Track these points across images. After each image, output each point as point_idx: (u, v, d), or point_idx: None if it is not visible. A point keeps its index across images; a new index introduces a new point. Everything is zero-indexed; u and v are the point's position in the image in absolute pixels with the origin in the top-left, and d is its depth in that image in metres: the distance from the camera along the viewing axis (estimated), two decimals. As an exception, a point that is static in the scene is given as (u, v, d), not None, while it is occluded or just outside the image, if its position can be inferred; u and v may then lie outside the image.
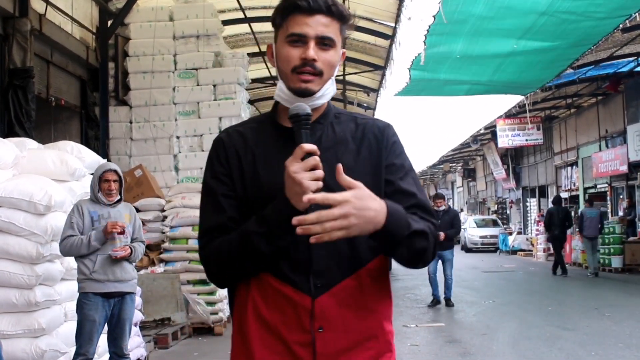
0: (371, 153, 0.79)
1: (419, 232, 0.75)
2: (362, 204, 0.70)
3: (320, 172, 0.71)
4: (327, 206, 0.70)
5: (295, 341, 0.77)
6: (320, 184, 0.70)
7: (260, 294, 0.78)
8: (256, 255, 0.75)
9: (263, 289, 0.78)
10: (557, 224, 7.76)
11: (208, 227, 0.80)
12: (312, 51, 0.77)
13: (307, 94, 0.78)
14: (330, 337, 0.76)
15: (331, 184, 0.73)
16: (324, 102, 0.81)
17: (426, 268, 4.53)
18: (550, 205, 8.67)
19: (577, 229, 8.16)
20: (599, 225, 7.61)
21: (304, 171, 0.70)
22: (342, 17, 0.79)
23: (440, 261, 5.35)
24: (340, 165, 0.71)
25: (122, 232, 2.34)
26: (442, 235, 4.85)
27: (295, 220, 0.70)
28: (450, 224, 5.24)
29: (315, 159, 0.71)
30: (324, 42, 0.78)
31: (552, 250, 9.04)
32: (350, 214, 0.69)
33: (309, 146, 0.71)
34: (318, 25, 0.78)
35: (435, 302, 5.48)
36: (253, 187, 0.79)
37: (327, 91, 0.79)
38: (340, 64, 0.82)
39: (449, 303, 5.42)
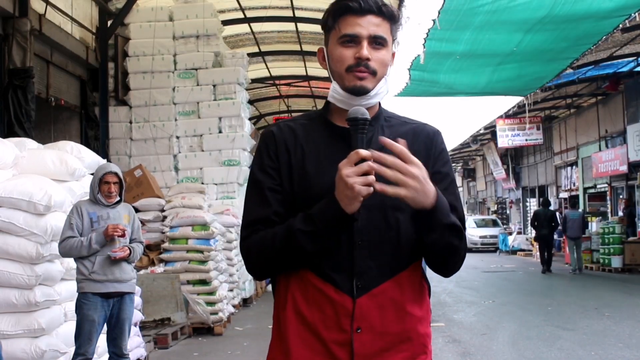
0: (419, 158, 0.78)
1: (457, 227, 0.76)
2: (427, 177, 0.73)
3: (372, 178, 0.71)
4: (375, 205, 0.73)
5: (333, 340, 0.77)
6: (372, 189, 0.71)
7: (301, 291, 0.79)
8: (299, 252, 0.76)
9: (304, 286, 0.79)
10: (543, 225, 8.23)
11: (252, 219, 0.80)
12: (366, 50, 0.78)
13: (362, 92, 0.79)
14: (367, 338, 0.77)
15: (377, 194, 0.74)
16: (377, 101, 0.82)
17: None
18: (538, 207, 9.45)
19: (562, 230, 8.73)
20: (581, 226, 8.13)
21: (356, 176, 0.71)
22: (392, 17, 0.81)
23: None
24: (402, 140, 0.73)
25: (123, 235, 2.34)
26: None
27: (373, 155, 0.71)
28: None
29: (369, 165, 0.71)
30: (377, 42, 0.79)
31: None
32: (418, 178, 0.72)
33: (364, 152, 0.72)
34: (370, 25, 0.79)
35: None
36: (300, 183, 0.80)
37: (381, 90, 0.80)
38: (392, 64, 0.84)
39: None
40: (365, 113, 0.76)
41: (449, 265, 0.80)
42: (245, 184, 5.40)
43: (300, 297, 0.78)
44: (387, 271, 0.79)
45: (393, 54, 0.83)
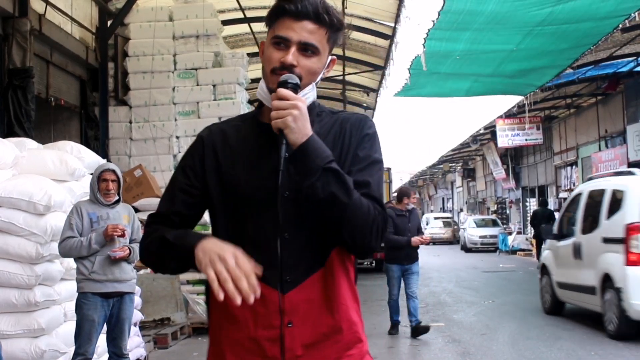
0: (343, 146, 0.81)
1: (342, 179, 0.74)
2: (305, 114, 0.75)
3: (243, 285, 0.69)
4: (298, 198, 0.75)
5: (264, 337, 0.77)
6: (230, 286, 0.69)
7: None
8: (171, 260, 0.78)
9: None
10: (542, 223, 8.56)
11: (157, 212, 0.84)
12: (292, 56, 0.78)
13: None
14: (298, 332, 0.77)
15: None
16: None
17: (386, 290, 3.96)
18: (537, 207, 9.94)
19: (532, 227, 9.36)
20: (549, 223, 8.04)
21: (216, 264, 0.69)
22: (331, 26, 0.80)
23: (402, 279, 3.99)
24: (280, 90, 0.74)
25: (123, 235, 2.34)
26: (418, 240, 3.86)
27: (272, 96, 0.75)
28: (417, 228, 4.04)
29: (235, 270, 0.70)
30: (307, 49, 0.79)
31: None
32: (296, 108, 0.74)
33: (285, 92, 0.74)
34: (303, 31, 0.78)
35: (395, 327, 4.06)
36: (230, 183, 0.80)
37: (306, 96, 0.80)
38: (327, 71, 0.83)
39: (419, 330, 3.83)
40: (296, 79, 0.77)
41: (343, 228, 0.74)
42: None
43: (227, 295, 0.75)
44: (315, 262, 0.78)
45: (333, 60, 0.83)
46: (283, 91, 0.75)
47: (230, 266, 0.70)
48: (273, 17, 0.81)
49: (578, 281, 4.08)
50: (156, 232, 0.81)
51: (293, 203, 0.77)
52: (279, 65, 0.79)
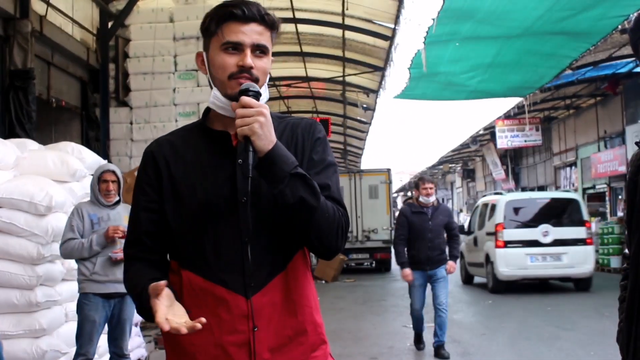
0: (297, 151, 0.81)
1: (309, 183, 0.75)
2: (270, 121, 0.76)
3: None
4: (258, 203, 0.76)
5: (231, 342, 0.77)
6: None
7: (190, 297, 0.78)
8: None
9: (192, 292, 0.79)
10: None
11: (128, 240, 0.85)
12: (249, 59, 0.78)
13: None
14: (264, 335, 0.77)
15: (261, 189, 0.77)
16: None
17: (408, 301, 3.36)
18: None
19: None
20: None
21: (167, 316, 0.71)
22: (273, 26, 0.81)
23: (428, 286, 3.33)
24: (243, 98, 0.75)
25: (124, 236, 2.35)
26: (406, 276, 3.25)
27: (234, 105, 0.76)
28: (445, 227, 3.32)
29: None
30: (259, 50, 0.80)
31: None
32: (262, 115, 0.75)
33: (248, 99, 0.75)
34: (253, 33, 0.79)
35: (419, 339, 3.48)
36: (187, 193, 0.80)
37: (262, 97, 0.80)
38: (270, 71, 0.85)
39: (440, 353, 3.25)
40: (257, 87, 0.78)
41: (311, 230, 0.76)
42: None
43: (190, 303, 0.77)
44: (277, 266, 0.79)
45: (271, 61, 0.84)
46: (246, 99, 0.75)
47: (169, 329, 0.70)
48: (218, 23, 0.80)
49: (475, 260, 6.64)
50: (132, 276, 0.82)
51: (251, 209, 0.77)
52: (237, 69, 0.79)
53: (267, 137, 0.75)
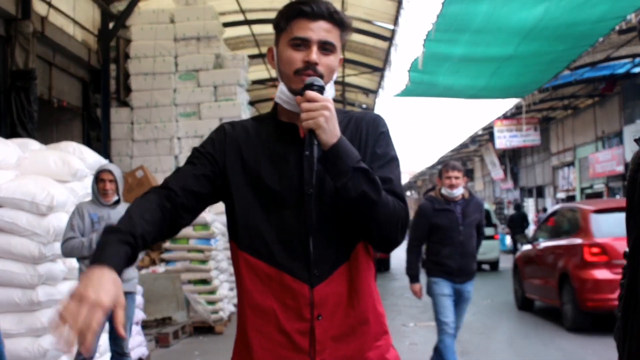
0: (360, 145, 0.83)
1: (371, 178, 0.76)
2: (334, 115, 0.78)
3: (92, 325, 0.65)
4: (323, 192, 0.77)
5: (295, 329, 0.78)
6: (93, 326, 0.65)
7: (255, 284, 0.80)
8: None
9: (256, 276, 0.80)
10: (517, 225, 9.61)
11: (163, 184, 0.83)
12: (315, 55, 0.80)
13: None
14: (327, 324, 0.79)
15: (325, 181, 0.78)
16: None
17: (408, 300, 3.11)
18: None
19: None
20: (523, 224, 9.80)
21: (70, 311, 0.65)
22: (342, 25, 0.83)
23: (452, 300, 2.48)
24: (308, 92, 0.76)
25: None
26: (416, 292, 2.49)
27: (299, 99, 0.77)
28: (476, 226, 2.52)
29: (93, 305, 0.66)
30: (326, 47, 0.81)
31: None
32: (327, 109, 0.76)
33: (313, 94, 0.76)
34: (320, 30, 0.81)
35: None
36: (256, 179, 0.81)
37: (327, 93, 0.81)
38: (338, 70, 0.86)
39: None
40: (321, 82, 0.78)
41: (372, 224, 0.76)
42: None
43: (255, 289, 0.79)
44: (341, 256, 0.80)
45: (341, 60, 0.85)
46: (312, 93, 0.76)
47: (82, 313, 0.65)
48: (287, 20, 0.81)
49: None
50: (134, 206, 0.79)
51: (316, 200, 0.79)
52: (302, 65, 0.80)
53: (331, 131, 0.76)
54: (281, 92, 0.83)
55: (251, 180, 0.82)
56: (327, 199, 0.79)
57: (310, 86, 0.78)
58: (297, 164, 0.80)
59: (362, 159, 0.79)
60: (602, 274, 3.73)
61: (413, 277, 2.59)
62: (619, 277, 1.94)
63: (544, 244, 4.57)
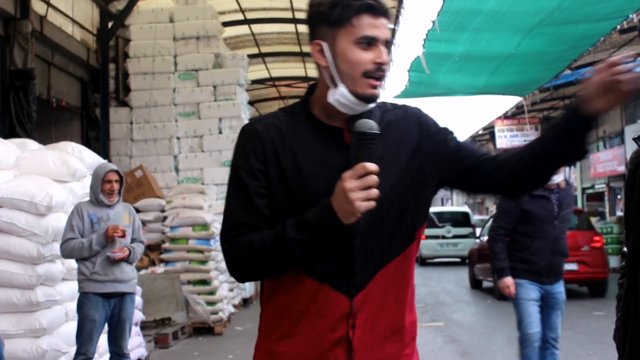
0: (413, 139, 0.80)
1: None
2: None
3: (374, 192, 0.69)
4: (374, 213, 0.71)
5: (331, 339, 0.76)
6: (373, 204, 0.69)
7: (290, 289, 0.77)
8: (290, 259, 0.73)
9: (294, 285, 0.77)
10: None
11: (237, 222, 0.76)
12: (385, 54, 0.75)
13: (373, 100, 0.76)
14: (362, 333, 0.77)
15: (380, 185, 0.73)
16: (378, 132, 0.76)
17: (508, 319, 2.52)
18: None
19: None
20: None
21: (359, 190, 0.68)
22: (390, 21, 0.79)
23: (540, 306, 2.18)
24: (367, 165, 0.71)
25: (123, 236, 2.36)
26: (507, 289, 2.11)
27: (352, 174, 0.70)
28: (568, 219, 2.22)
29: (374, 179, 0.69)
30: (387, 46, 0.77)
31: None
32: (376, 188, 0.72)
33: (372, 166, 0.69)
34: (384, 28, 0.76)
35: None
36: (297, 186, 0.76)
37: (380, 95, 0.78)
38: None
39: None
40: (375, 127, 0.72)
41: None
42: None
43: (289, 294, 0.76)
44: (381, 264, 0.78)
45: None
46: (372, 166, 0.69)
47: (362, 187, 0.68)
48: (349, 14, 0.74)
49: None
50: (256, 238, 0.73)
51: (367, 216, 0.73)
52: (373, 67, 0.74)
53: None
54: (341, 95, 0.75)
55: (291, 187, 0.76)
56: (374, 209, 0.73)
57: (362, 135, 0.70)
58: (341, 169, 0.73)
59: (421, 151, 0.78)
60: None
61: (502, 271, 2.16)
62: None
63: (484, 237, 6.11)
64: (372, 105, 0.78)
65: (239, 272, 0.78)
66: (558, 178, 2.17)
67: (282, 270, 0.76)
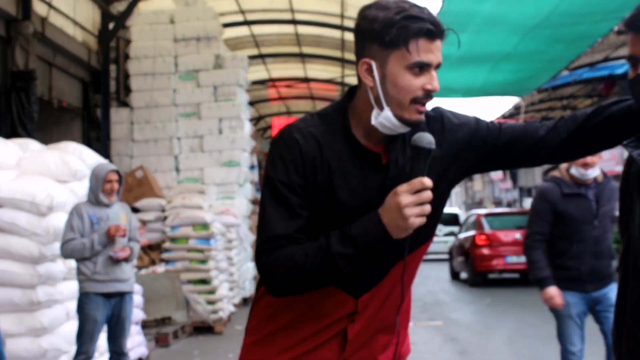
0: (473, 138, 0.78)
1: None
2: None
3: (428, 209, 0.67)
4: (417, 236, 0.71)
5: (329, 334, 0.77)
6: (424, 220, 0.68)
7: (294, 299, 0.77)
8: (336, 275, 0.71)
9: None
10: None
11: (278, 234, 0.73)
12: (436, 81, 0.73)
13: (419, 125, 0.74)
14: (360, 327, 0.77)
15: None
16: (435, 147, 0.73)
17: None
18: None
19: None
20: None
21: (415, 205, 0.67)
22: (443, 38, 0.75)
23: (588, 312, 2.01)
24: (424, 180, 0.69)
25: (124, 235, 2.38)
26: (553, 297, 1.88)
27: (406, 189, 0.68)
28: (611, 216, 2.00)
29: (429, 195, 0.67)
30: (437, 68, 0.74)
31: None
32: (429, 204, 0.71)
33: (429, 182, 0.68)
34: (438, 51, 0.73)
35: None
36: (328, 203, 0.74)
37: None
38: None
39: None
40: (432, 142, 0.69)
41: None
42: (245, 185, 5.24)
43: (294, 298, 0.76)
44: (392, 265, 0.78)
45: None
46: (428, 181, 0.67)
47: (414, 204, 0.66)
48: (407, 37, 0.70)
49: None
50: (297, 252, 0.71)
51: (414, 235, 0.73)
52: (422, 93, 0.72)
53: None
54: (385, 119, 0.72)
55: (321, 205, 0.74)
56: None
57: (419, 150, 0.68)
58: (378, 190, 0.73)
59: (483, 137, 0.77)
60: (485, 251, 6.62)
61: (544, 281, 1.92)
62: (497, 253, 6.39)
63: (461, 235, 7.52)
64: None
65: (278, 286, 0.74)
66: (594, 172, 1.90)
67: (323, 285, 0.73)
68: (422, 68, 0.73)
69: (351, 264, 0.70)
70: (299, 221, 0.74)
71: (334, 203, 0.74)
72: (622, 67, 8.07)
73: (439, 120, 0.80)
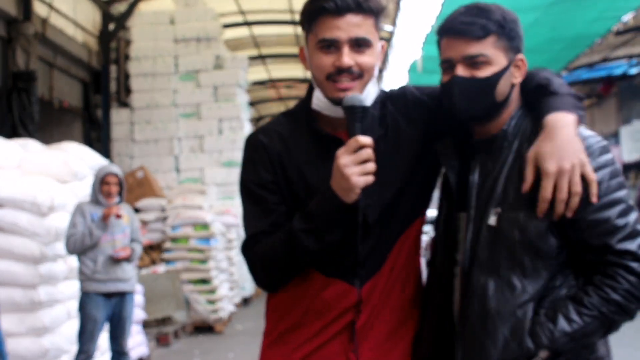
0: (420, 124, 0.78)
1: None
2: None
3: (371, 166, 0.67)
4: (374, 191, 0.70)
5: (337, 327, 0.77)
6: (370, 178, 0.67)
7: (301, 286, 0.77)
8: (304, 254, 0.72)
9: (305, 282, 0.76)
10: None
11: (255, 231, 0.76)
12: (347, 57, 0.71)
13: (340, 102, 0.73)
14: (367, 318, 0.77)
15: (385, 174, 0.72)
16: (368, 104, 0.73)
17: None
18: None
19: None
20: None
21: (354, 165, 0.67)
22: (374, 11, 0.72)
23: None
24: (360, 138, 0.68)
25: (119, 216, 2.41)
26: None
27: (346, 150, 0.68)
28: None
29: (368, 153, 0.67)
30: (359, 44, 0.71)
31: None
32: (373, 160, 0.71)
33: (364, 139, 0.67)
34: (350, 26, 0.71)
35: None
36: (302, 195, 0.75)
37: (370, 92, 0.73)
38: (380, 59, 0.76)
39: None
40: (362, 100, 0.69)
41: None
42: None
43: (299, 289, 0.76)
44: (387, 249, 0.77)
45: (383, 46, 0.75)
46: (364, 139, 0.67)
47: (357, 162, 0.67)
48: (310, 19, 0.72)
49: None
50: (269, 241, 0.73)
51: (367, 195, 0.73)
52: (334, 70, 0.71)
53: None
54: (317, 99, 0.75)
55: (299, 198, 0.76)
56: (377, 196, 0.73)
57: (351, 109, 0.68)
58: None
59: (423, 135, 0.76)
60: None
61: None
62: None
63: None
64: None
65: (261, 277, 0.76)
66: None
67: (299, 268, 0.75)
68: (332, 45, 0.72)
69: (317, 239, 0.71)
70: (274, 215, 0.76)
71: (309, 190, 0.75)
72: (620, 68, 8.09)
73: (401, 98, 0.80)
